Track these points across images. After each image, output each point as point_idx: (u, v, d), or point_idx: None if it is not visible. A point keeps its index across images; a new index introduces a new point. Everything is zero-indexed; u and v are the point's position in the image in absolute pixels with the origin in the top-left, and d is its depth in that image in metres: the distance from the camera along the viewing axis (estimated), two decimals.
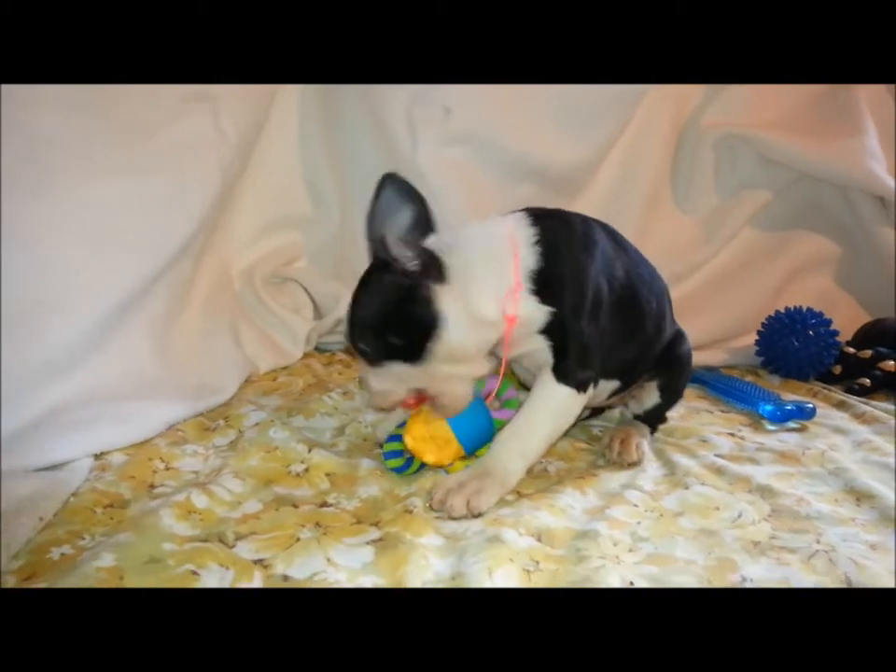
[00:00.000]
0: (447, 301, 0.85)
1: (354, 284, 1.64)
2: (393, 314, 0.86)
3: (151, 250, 1.14)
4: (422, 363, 0.87)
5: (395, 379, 0.90)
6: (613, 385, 1.03)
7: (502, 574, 0.69)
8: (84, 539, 0.74)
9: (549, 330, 0.91)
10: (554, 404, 0.91)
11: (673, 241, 1.78)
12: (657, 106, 1.72)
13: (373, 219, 0.84)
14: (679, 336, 1.12)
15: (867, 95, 1.75)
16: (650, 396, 1.11)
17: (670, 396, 1.12)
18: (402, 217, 0.83)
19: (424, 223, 0.85)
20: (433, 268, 0.86)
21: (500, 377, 0.96)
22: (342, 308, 1.59)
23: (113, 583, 0.65)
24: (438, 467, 0.94)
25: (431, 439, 0.92)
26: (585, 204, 1.70)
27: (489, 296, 0.88)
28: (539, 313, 0.89)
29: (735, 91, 1.74)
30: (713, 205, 1.80)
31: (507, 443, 0.90)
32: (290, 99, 1.59)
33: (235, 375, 1.29)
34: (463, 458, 0.95)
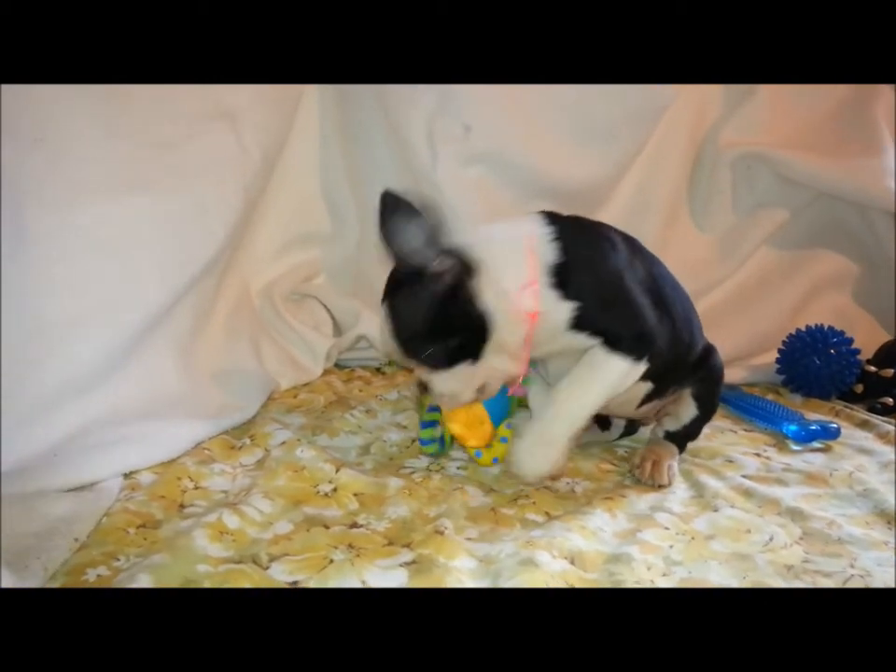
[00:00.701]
0: (487, 294, 0.88)
1: (373, 300, 1.64)
2: (446, 317, 0.88)
3: (175, 268, 1.14)
4: (480, 359, 0.90)
5: (461, 379, 0.92)
6: (647, 387, 1.02)
7: None
8: (119, 560, 0.74)
9: (580, 325, 0.92)
10: (607, 374, 0.92)
11: (690, 259, 1.77)
12: (675, 124, 1.72)
13: (391, 235, 0.85)
14: (710, 349, 1.13)
15: (885, 113, 1.75)
16: (686, 408, 1.10)
17: (707, 407, 1.11)
18: (419, 225, 0.84)
19: (440, 227, 0.86)
20: (463, 266, 0.88)
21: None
22: (361, 325, 1.59)
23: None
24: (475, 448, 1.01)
25: (470, 423, 0.99)
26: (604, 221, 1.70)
27: (513, 289, 0.90)
28: (561, 308, 0.91)
29: (752, 110, 1.74)
30: (730, 224, 1.79)
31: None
32: (311, 116, 1.60)
33: (258, 393, 1.29)
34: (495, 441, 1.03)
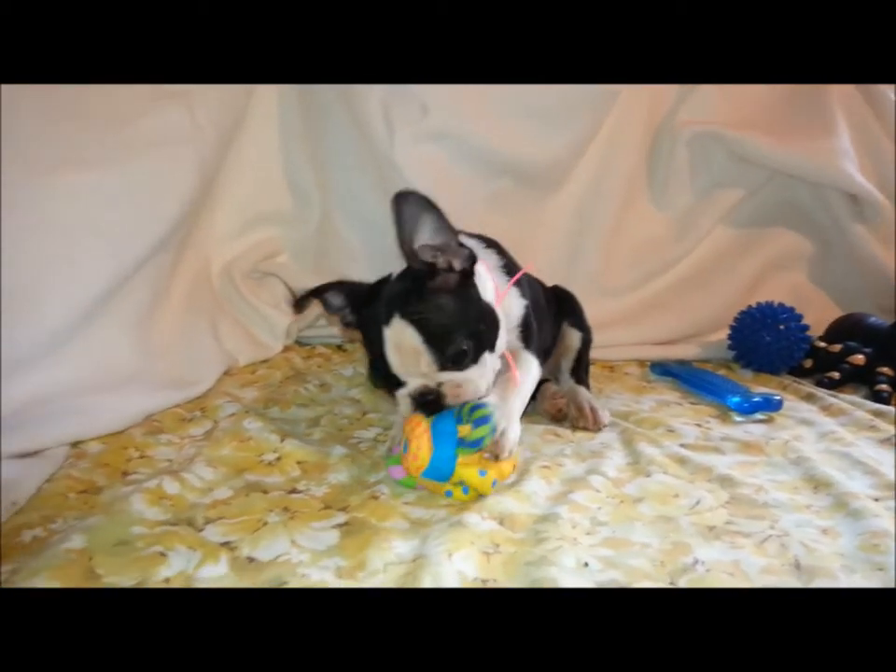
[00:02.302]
0: (483, 289, 0.98)
1: (333, 278, 1.66)
2: (474, 308, 0.94)
3: (127, 243, 1.15)
4: (494, 351, 0.96)
5: (482, 373, 0.93)
6: None
7: (461, 556, 0.71)
8: (56, 522, 0.76)
9: (523, 324, 1.07)
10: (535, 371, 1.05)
11: (648, 237, 1.81)
12: (632, 104, 1.73)
13: (407, 233, 0.89)
14: (555, 288, 1.39)
15: (839, 95, 1.78)
16: (571, 338, 1.33)
17: (584, 326, 1.36)
18: (439, 218, 0.89)
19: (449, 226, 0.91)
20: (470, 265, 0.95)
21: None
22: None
23: (82, 564, 0.67)
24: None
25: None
26: (561, 201, 1.73)
27: (491, 286, 1.01)
28: (520, 304, 1.07)
29: (709, 90, 1.76)
30: (688, 203, 1.81)
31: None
32: (270, 96, 1.60)
33: (213, 368, 1.31)
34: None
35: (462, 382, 0.90)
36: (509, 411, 0.91)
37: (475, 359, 0.91)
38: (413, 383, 0.90)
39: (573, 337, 1.34)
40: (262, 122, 1.61)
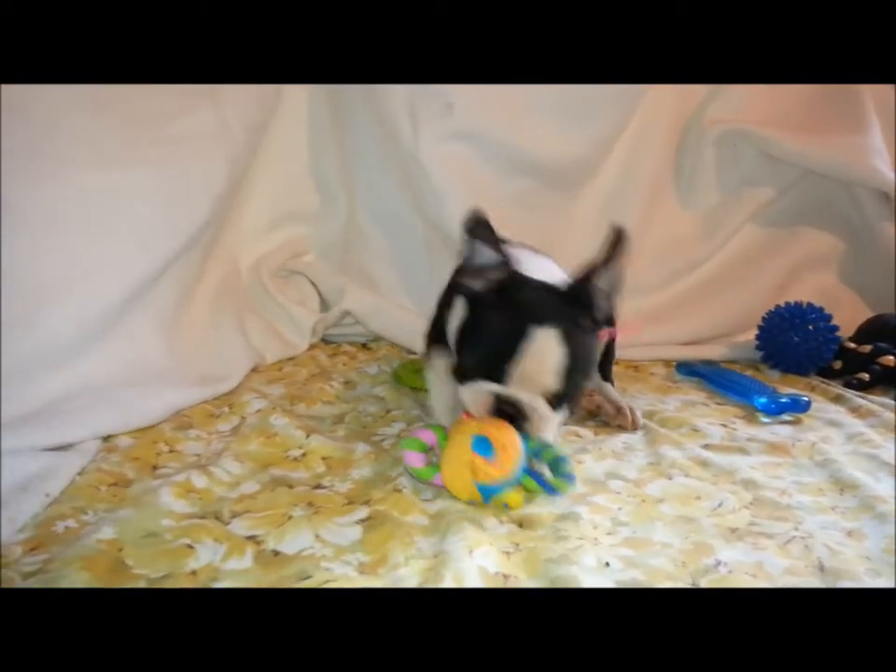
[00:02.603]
0: None
1: (359, 276, 1.67)
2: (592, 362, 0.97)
3: (157, 242, 1.17)
4: None
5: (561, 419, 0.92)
6: None
7: (481, 553, 0.71)
8: (87, 514, 0.78)
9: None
10: None
11: (675, 236, 1.79)
12: (660, 102, 1.72)
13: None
14: None
15: (871, 92, 1.75)
16: None
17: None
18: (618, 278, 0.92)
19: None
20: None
21: None
22: (347, 300, 1.62)
23: (112, 555, 0.69)
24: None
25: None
26: (587, 200, 1.72)
27: None
28: None
29: (738, 88, 1.74)
30: (715, 202, 1.80)
31: None
32: (299, 95, 1.62)
33: (241, 365, 1.33)
34: None
35: (547, 421, 0.88)
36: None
37: (569, 405, 0.92)
38: (509, 390, 0.86)
39: None
40: (291, 121, 1.63)
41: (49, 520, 0.76)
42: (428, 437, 0.89)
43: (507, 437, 0.83)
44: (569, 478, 0.86)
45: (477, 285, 0.92)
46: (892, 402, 1.34)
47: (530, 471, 0.86)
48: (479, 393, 0.88)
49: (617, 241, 0.88)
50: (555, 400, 0.87)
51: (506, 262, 0.91)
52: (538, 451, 0.87)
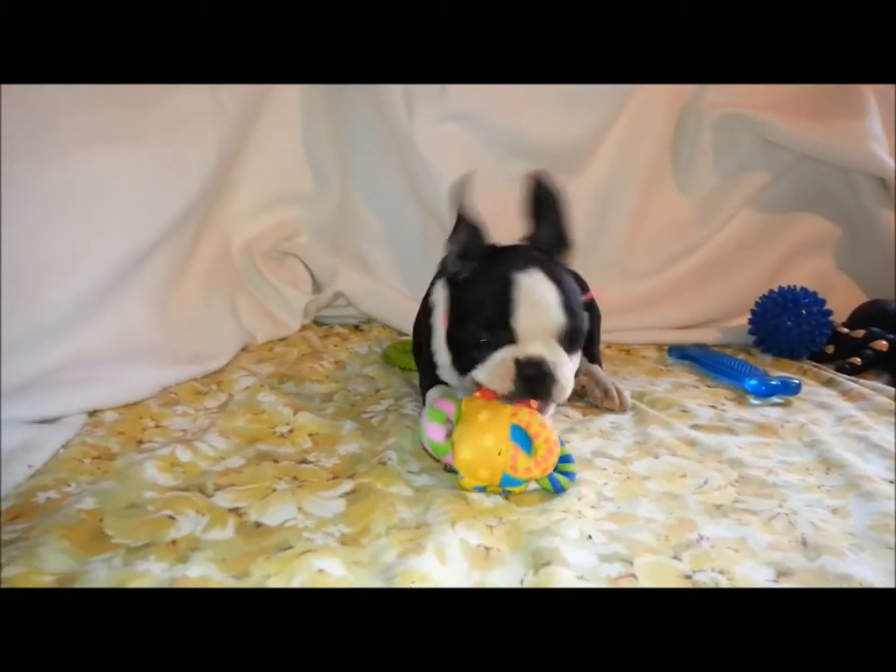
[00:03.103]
0: None
1: (352, 258, 1.67)
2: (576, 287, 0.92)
3: (148, 219, 1.18)
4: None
5: (573, 368, 0.88)
6: None
7: (464, 526, 0.71)
8: (70, 486, 0.78)
9: None
10: None
11: (671, 221, 1.79)
12: (657, 86, 1.72)
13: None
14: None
15: None
16: None
17: (591, 305, 1.25)
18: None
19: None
20: None
21: None
22: (339, 281, 1.62)
23: (92, 525, 0.69)
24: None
25: None
26: (584, 183, 1.71)
27: None
28: None
29: None
30: (712, 186, 1.79)
31: None
32: None
33: (231, 344, 1.33)
34: None
35: (565, 372, 0.84)
36: None
37: (579, 347, 0.89)
38: (526, 347, 0.82)
39: None
40: (285, 102, 1.63)
41: (31, 490, 0.76)
42: (450, 409, 0.84)
43: (545, 431, 0.79)
44: (571, 476, 0.84)
45: (458, 266, 0.92)
46: (884, 386, 1.33)
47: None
48: (497, 364, 0.83)
49: (540, 187, 0.91)
50: (566, 341, 0.85)
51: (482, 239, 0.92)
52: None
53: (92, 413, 0.98)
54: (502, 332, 0.83)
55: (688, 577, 0.66)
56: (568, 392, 0.85)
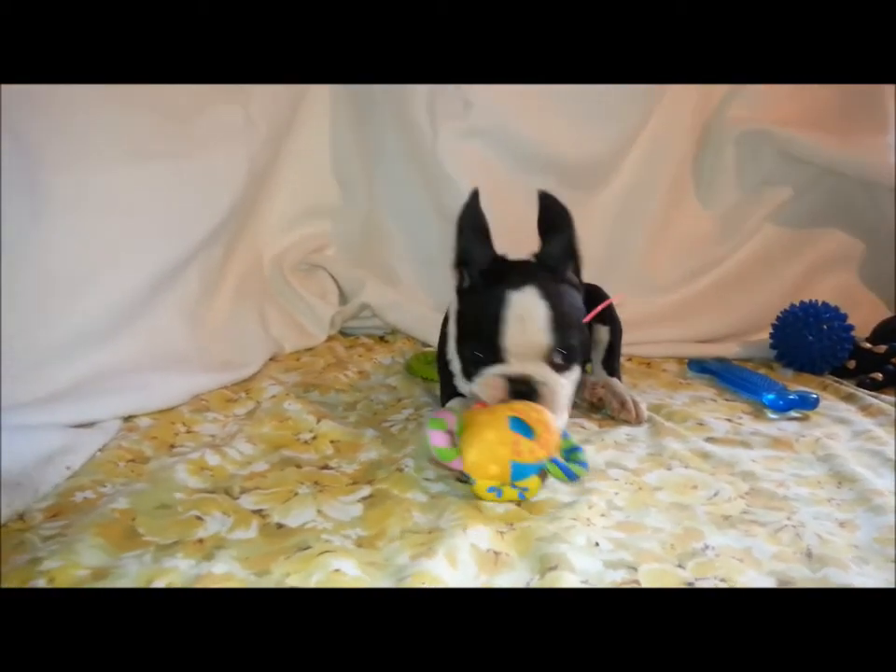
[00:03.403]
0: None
1: (378, 271, 1.71)
2: (582, 317, 0.96)
3: (181, 233, 1.23)
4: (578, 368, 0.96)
5: (571, 386, 0.93)
6: None
7: (475, 531, 0.74)
8: (105, 487, 0.83)
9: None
10: None
11: (694, 235, 1.80)
12: (680, 100, 1.73)
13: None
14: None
15: (893, 92, 1.74)
16: (600, 331, 1.27)
17: (613, 319, 1.29)
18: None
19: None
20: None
21: None
22: (365, 293, 1.66)
23: (125, 524, 0.73)
24: None
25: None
26: (606, 198, 1.74)
27: None
28: None
29: (758, 87, 1.74)
30: (735, 201, 1.80)
31: None
32: (322, 93, 1.67)
33: (260, 353, 1.38)
34: None
35: (558, 393, 0.88)
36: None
37: (574, 364, 0.92)
38: (514, 367, 0.87)
39: (601, 332, 1.30)
40: (315, 118, 1.68)
41: (69, 490, 0.81)
42: (451, 420, 0.87)
43: (542, 416, 0.83)
44: (584, 465, 0.87)
45: (458, 274, 0.98)
46: None
47: (552, 458, 0.87)
48: (488, 381, 0.89)
49: (548, 206, 0.93)
50: (557, 360, 0.88)
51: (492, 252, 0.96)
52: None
53: (127, 419, 1.03)
54: (492, 350, 0.88)
55: (690, 584, 0.68)
56: (561, 409, 0.89)
